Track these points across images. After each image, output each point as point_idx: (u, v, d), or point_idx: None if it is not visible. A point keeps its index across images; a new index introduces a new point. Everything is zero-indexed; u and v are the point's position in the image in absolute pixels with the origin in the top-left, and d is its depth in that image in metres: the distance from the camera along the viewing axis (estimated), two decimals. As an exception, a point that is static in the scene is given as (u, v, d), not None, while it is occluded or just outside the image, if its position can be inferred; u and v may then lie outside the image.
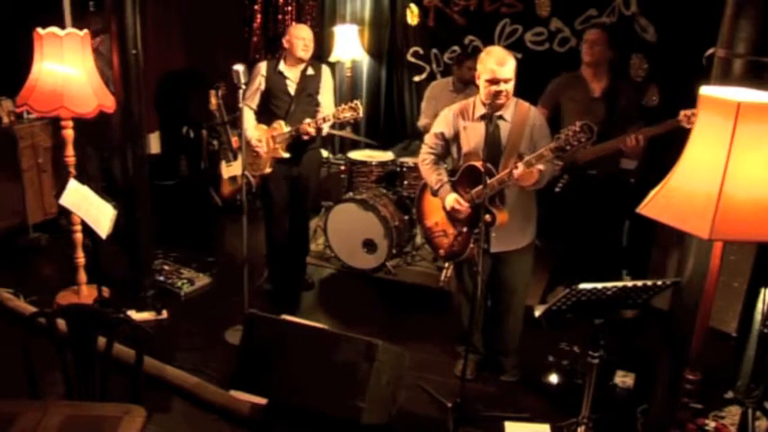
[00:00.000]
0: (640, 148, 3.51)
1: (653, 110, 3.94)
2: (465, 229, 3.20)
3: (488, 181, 2.95)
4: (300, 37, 3.95)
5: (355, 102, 3.84)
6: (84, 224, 3.63)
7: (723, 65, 2.40)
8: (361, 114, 3.87)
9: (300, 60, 4.01)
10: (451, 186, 3.22)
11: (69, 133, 3.92)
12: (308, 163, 4.21)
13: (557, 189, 3.88)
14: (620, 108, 3.71)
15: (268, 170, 4.10)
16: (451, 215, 3.24)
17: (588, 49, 3.76)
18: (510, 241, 3.21)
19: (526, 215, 3.25)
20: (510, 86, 3.02)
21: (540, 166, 2.97)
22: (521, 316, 3.43)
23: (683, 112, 3.26)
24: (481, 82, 3.05)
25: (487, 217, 2.98)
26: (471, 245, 3.16)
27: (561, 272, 4.21)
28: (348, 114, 3.83)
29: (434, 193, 3.29)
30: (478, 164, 3.04)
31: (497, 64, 2.97)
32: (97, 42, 4.71)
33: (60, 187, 3.72)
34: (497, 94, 2.96)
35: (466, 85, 4.71)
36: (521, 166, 2.90)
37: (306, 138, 3.94)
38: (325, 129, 4.10)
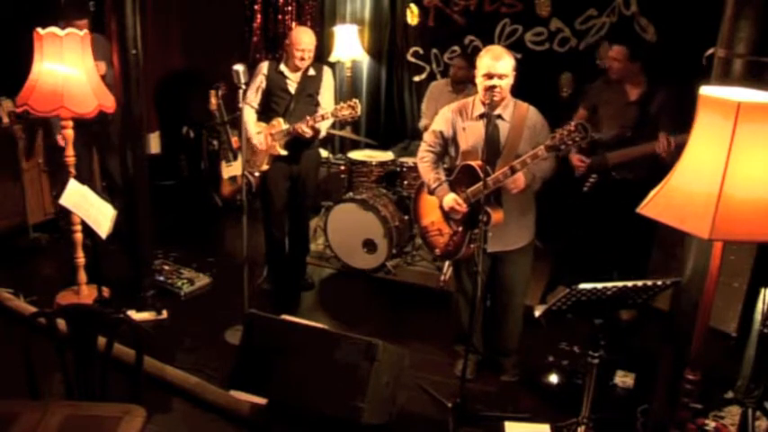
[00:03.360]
0: (673, 152, 3.46)
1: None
2: (460, 229, 3.21)
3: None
4: (300, 48, 3.93)
5: (354, 100, 3.84)
6: (84, 224, 3.63)
7: (723, 65, 2.39)
8: (359, 113, 3.86)
9: (297, 67, 4.01)
10: (448, 186, 3.23)
11: (69, 133, 3.92)
12: (307, 162, 4.21)
13: (585, 188, 3.89)
14: (652, 114, 3.71)
15: (265, 167, 4.10)
16: (448, 214, 3.25)
17: (609, 65, 3.78)
18: (507, 241, 3.21)
19: (523, 216, 3.25)
20: (505, 83, 3.03)
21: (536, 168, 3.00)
22: (520, 316, 3.43)
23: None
24: (478, 78, 3.07)
25: (483, 216, 2.99)
26: (471, 245, 3.16)
27: (562, 272, 4.21)
28: (346, 113, 3.83)
29: (431, 192, 3.30)
30: (475, 163, 3.05)
31: (492, 59, 3.01)
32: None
33: (60, 187, 3.72)
34: (491, 88, 2.98)
35: (459, 84, 4.72)
36: (519, 166, 2.91)
37: (305, 137, 3.94)
38: (324, 129, 4.10)
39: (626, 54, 3.72)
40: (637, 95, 3.78)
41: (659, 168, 3.55)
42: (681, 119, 3.54)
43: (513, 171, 2.94)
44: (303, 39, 3.95)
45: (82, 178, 3.98)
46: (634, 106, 3.77)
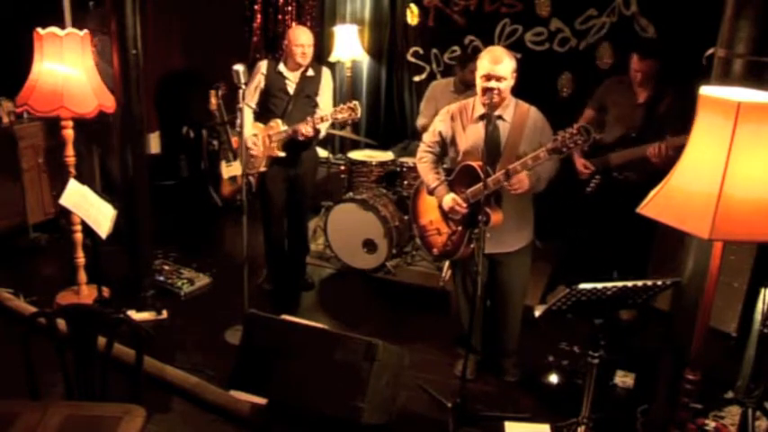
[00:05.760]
0: (665, 157, 3.45)
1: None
2: (459, 228, 3.21)
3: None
4: (299, 44, 3.94)
5: (354, 102, 3.83)
6: (84, 224, 3.63)
7: (723, 65, 2.39)
8: (358, 115, 3.86)
9: (299, 65, 4.01)
10: (448, 186, 3.23)
11: (69, 133, 3.92)
12: (305, 163, 4.21)
13: (588, 189, 3.89)
14: (659, 115, 3.70)
15: (263, 168, 4.10)
16: (447, 214, 3.24)
17: (636, 75, 3.74)
18: (505, 243, 3.20)
19: (522, 218, 3.24)
20: (504, 86, 3.02)
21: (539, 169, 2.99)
22: (519, 317, 3.43)
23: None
24: (477, 79, 3.07)
25: (482, 217, 2.99)
26: (471, 245, 3.15)
27: (562, 272, 4.21)
28: (345, 115, 3.83)
29: (431, 192, 3.29)
30: (475, 164, 3.04)
31: (492, 62, 3.00)
32: (95, 42, 4.67)
33: (60, 187, 3.72)
34: (489, 90, 2.98)
35: (468, 87, 4.71)
36: (519, 167, 2.91)
37: (302, 139, 3.94)
38: (323, 131, 4.10)
39: (655, 67, 3.70)
40: (645, 97, 3.77)
41: (659, 170, 3.58)
42: (687, 121, 3.54)
43: (508, 174, 2.93)
44: (301, 35, 3.96)
45: (84, 178, 3.99)
46: (642, 108, 3.77)
